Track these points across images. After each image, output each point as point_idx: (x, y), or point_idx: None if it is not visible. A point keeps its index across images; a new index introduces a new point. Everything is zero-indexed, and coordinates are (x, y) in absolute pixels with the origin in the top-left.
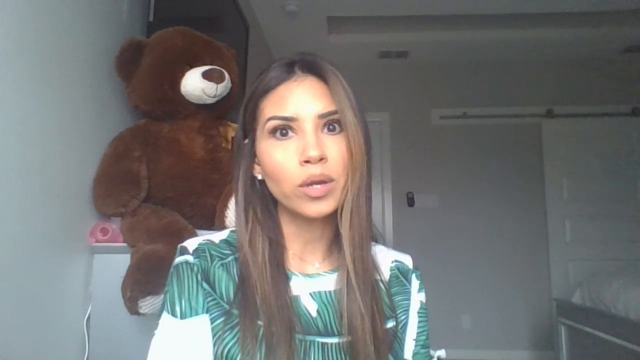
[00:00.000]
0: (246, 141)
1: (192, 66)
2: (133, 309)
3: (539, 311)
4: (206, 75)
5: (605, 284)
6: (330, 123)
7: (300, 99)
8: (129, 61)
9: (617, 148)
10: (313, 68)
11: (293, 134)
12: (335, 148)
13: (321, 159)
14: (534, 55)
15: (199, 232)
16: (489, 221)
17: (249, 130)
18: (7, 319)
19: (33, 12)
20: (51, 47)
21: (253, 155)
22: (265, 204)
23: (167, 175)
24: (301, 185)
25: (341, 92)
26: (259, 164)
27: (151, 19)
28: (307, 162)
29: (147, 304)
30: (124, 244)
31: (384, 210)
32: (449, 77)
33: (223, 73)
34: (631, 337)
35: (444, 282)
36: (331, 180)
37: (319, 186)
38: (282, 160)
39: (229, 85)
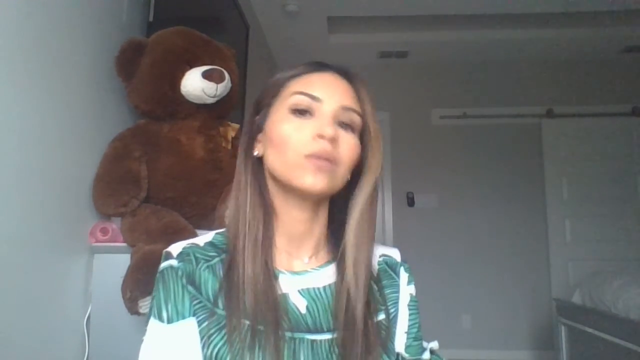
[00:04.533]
0: (257, 117)
1: (192, 66)
2: (133, 309)
3: (539, 311)
4: (206, 75)
5: (605, 284)
6: (344, 121)
7: (330, 87)
8: (129, 61)
9: (617, 148)
10: (345, 72)
11: (311, 116)
12: (345, 141)
13: (334, 140)
14: (534, 55)
15: (199, 232)
16: (489, 221)
17: (264, 105)
18: (7, 319)
19: (33, 12)
20: (51, 47)
21: (258, 131)
22: (258, 187)
23: (167, 175)
24: (308, 156)
25: (367, 99)
26: (260, 141)
27: (151, 19)
28: (320, 137)
29: (147, 304)
30: (124, 244)
31: (384, 210)
32: (449, 77)
33: (223, 73)
34: (631, 337)
35: (444, 282)
36: (336, 164)
37: (325, 161)
38: (295, 131)
39: (229, 85)
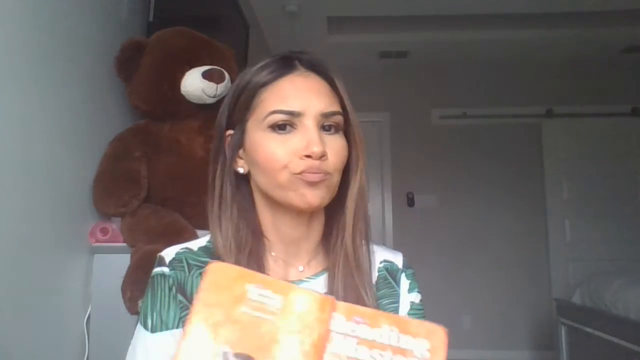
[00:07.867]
0: (229, 132)
1: (192, 66)
2: (133, 308)
3: (539, 311)
4: (206, 75)
5: (605, 284)
6: (328, 124)
7: (306, 95)
8: (129, 61)
9: (617, 148)
10: (315, 66)
11: (292, 129)
12: (332, 146)
13: (322, 156)
14: (534, 55)
15: (199, 232)
16: (489, 221)
17: (236, 120)
18: (7, 319)
19: (33, 13)
20: (51, 47)
21: (238, 148)
22: (244, 203)
23: (167, 175)
24: (299, 174)
25: (346, 93)
26: (242, 157)
27: (151, 19)
28: (308, 156)
29: None
30: (124, 244)
31: (384, 210)
32: (449, 77)
33: (223, 73)
34: (631, 337)
35: (444, 282)
36: (329, 173)
37: (318, 174)
38: (280, 152)
39: (229, 85)
